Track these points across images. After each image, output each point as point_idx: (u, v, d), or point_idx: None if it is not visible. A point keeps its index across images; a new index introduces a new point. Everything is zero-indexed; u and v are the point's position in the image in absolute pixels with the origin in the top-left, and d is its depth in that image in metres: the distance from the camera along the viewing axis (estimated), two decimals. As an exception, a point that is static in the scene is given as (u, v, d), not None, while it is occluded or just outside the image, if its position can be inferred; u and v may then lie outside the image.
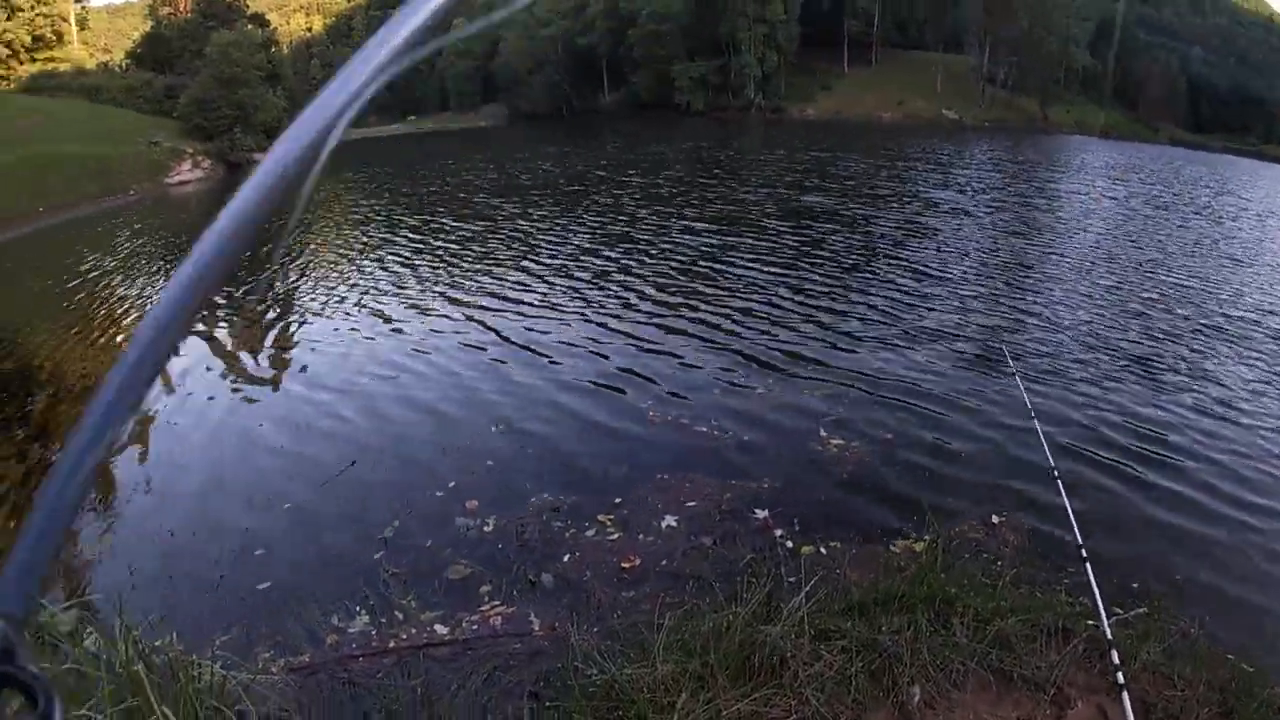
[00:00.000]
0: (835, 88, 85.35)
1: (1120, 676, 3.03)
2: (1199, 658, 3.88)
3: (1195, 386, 8.63)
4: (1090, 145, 58.11)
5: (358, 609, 4.93)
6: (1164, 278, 14.04)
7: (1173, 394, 8.39)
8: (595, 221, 19.62)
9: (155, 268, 17.26)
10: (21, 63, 50.12)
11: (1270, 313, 12.15)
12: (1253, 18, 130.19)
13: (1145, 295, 12.62)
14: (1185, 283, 13.68)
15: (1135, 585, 5.01)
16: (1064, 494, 4.10)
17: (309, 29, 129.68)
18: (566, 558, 5.45)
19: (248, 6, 64.45)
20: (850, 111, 77.94)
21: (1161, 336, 10.54)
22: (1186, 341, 10.31)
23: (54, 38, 53.26)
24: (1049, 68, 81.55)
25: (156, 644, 3.51)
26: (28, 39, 50.12)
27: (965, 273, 14.01)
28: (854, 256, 15.32)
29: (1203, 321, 11.34)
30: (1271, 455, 7.15)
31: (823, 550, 5.39)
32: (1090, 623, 3.77)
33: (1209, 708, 3.44)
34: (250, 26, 56.87)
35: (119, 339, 11.90)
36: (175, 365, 10.26)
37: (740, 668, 3.45)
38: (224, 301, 13.72)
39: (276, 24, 77.94)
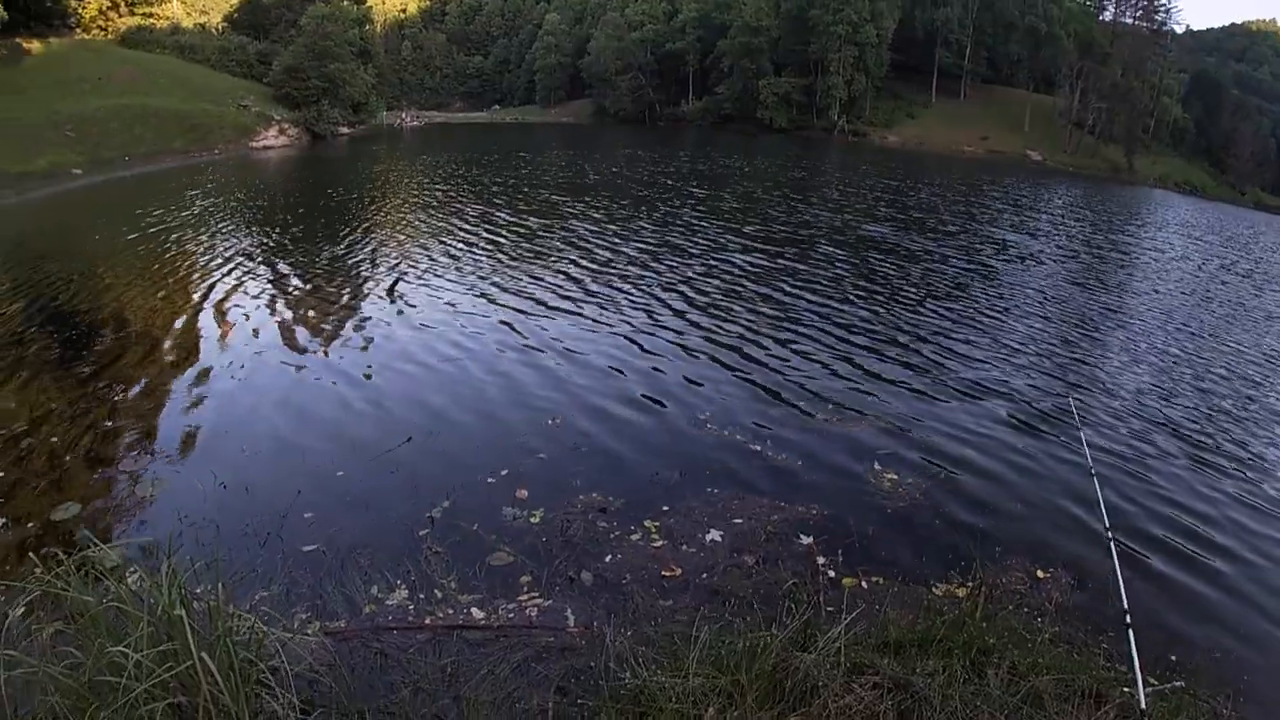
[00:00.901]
0: (920, 116, 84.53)
1: (1150, 748, 2.97)
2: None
3: (1257, 473, 8.32)
4: (1172, 200, 56.74)
5: (398, 582, 5.02)
6: (1234, 350, 13.60)
7: (1236, 477, 8.08)
8: (652, 230, 19.67)
9: (224, 227, 17.74)
10: (120, 15, 51.68)
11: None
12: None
13: (1214, 368, 12.20)
14: (1254, 359, 13.24)
15: (1174, 658, 4.87)
16: (1115, 557, 4.03)
17: (403, 10, 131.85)
18: (608, 558, 5.48)
19: (346, -18, 65.84)
20: (933, 142, 77.04)
21: (1228, 413, 10.18)
22: (1252, 425, 9.92)
23: (155, -7, 54.96)
24: (1138, 117, 79.61)
25: (198, 590, 3.62)
26: (131, -7, 51.76)
27: (1032, 322, 13.74)
28: (923, 291, 15.16)
29: (1270, 403, 10.97)
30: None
31: (864, 584, 5.34)
32: (1125, 690, 3.71)
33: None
34: (346, 2, 58.03)
35: (181, 291, 12.28)
36: (248, 328, 10.57)
37: (770, 690, 3.45)
38: (296, 270, 14.09)
39: (372, 3, 79.46)
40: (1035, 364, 11.16)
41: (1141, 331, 14.02)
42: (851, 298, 13.99)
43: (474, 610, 4.75)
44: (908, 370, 10.32)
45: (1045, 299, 15.78)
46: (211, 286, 12.56)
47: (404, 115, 73.63)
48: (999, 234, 24.47)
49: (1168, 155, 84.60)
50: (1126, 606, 3.66)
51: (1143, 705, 3.16)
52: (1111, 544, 4.17)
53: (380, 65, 59.94)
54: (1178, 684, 4.30)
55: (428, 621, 4.58)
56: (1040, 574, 5.70)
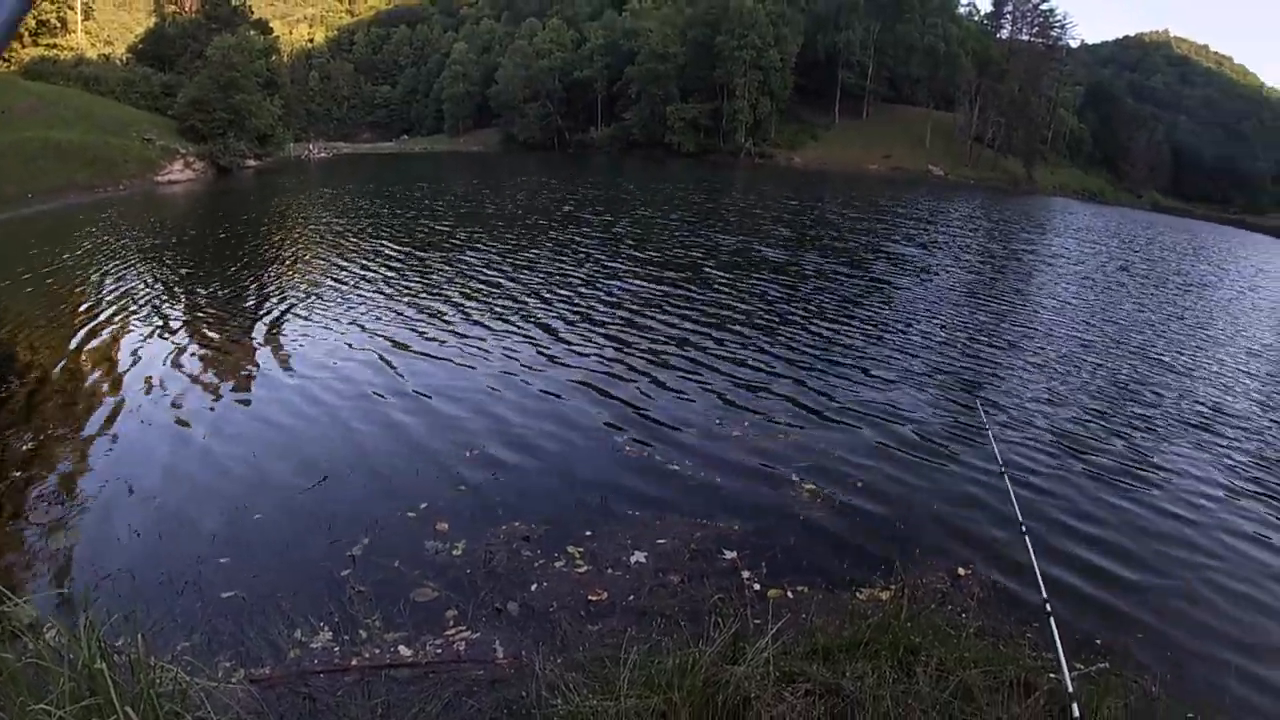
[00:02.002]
0: (824, 137, 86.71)
1: (1081, 730, 3.06)
2: (1160, 716, 3.93)
3: (1158, 464, 8.76)
4: (1072, 207, 59.21)
5: (321, 624, 4.89)
6: (1133, 349, 14.28)
7: (1139, 469, 8.49)
8: (549, 259, 19.54)
9: (128, 268, 17.08)
10: (24, 46, 49.83)
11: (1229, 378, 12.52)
12: (1241, 89, 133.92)
13: (1114, 367, 12.78)
14: (1152, 357, 13.91)
15: (1098, 641, 5.08)
16: (1031, 549, 4.17)
17: (310, 40, 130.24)
18: (534, 587, 5.44)
19: (252, 12, 64.68)
20: (837, 161, 79.04)
21: (1129, 408, 10.71)
22: (1151, 419, 10.39)
23: (59, 24, 53.17)
24: (1036, 130, 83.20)
25: (118, 644, 3.49)
26: (33, 23, 49.90)
27: (935, 332, 14.23)
28: (824, 308, 15.58)
29: (1164, 397, 11.54)
30: (1229, 528, 7.27)
31: (790, 594, 5.42)
32: (1053, 675, 3.82)
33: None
34: (253, 33, 56.91)
35: (89, 335, 11.81)
36: (153, 372, 10.19)
37: (704, 706, 3.45)
38: (202, 312, 13.70)
39: (279, 32, 78.04)
40: (940, 372, 11.54)
41: (1043, 336, 14.61)
42: (761, 318, 14.25)
43: (401, 648, 4.65)
44: (821, 382, 10.54)
45: (944, 309, 16.35)
46: (117, 330, 12.09)
47: (311, 147, 72.20)
48: (898, 249, 25.20)
49: (1065, 165, 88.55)
50: (1045, 596, 3.78)
51: (1069, 689, 3.25)
52: (1026, 537, 4.30)
53: (287, 96, 58.70)
54: (1102, 666, 4.45)
55: (354, 662, 4.48)
56: (961, 572, 5.87)
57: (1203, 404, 11.22)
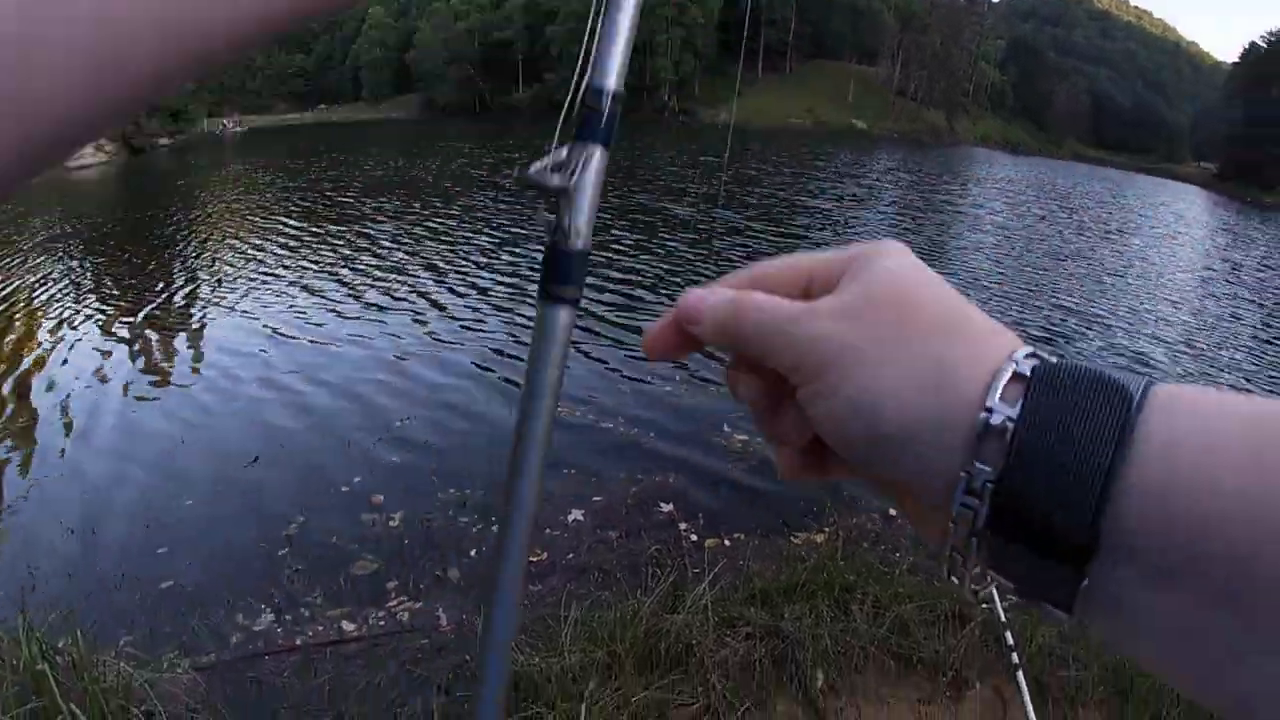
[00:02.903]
0: (748, 94, 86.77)
1: (1015, 658, 3.20)
2: (1092, 641, 4.14)
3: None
4: (995, 158, 60.30)
5: (263, 607, 4.85)
6: (1051, 294, 14.81)
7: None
8: (461, 227, 19.16)
9: (23, 259, 16.40)
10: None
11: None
12: (1160, 42, 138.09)
13: (1033, 316, 13.26)
14: (1069, 300, 14.51)
15: (1030, 573, 5.28)
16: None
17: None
18: (474, 552, 5.46)
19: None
20: (761, 117, 79.23)
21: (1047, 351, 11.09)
22: (1074, 360, 10.86)
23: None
24: (958, 83, 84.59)
25: (59, 644, 3.44)
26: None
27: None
28: (741, 264, 15.56)
29: (1086, 344, 12.08)
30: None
31: (727, 542, 5.54)
32: (985, 607, 3.98)
33: (1103, 686, 3.63)
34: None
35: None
36: (69, 365, 9.84)
37: (647, 656, 3.53)
38: (113, 301, 13.26)
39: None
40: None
41: (962, 286, 14.79)
42: (664, 279, 14.26)
43: (345, 624, 4.65)
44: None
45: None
46: (30, 324, 11.63)
47: (226, 121, 69.73)
48: (817, 204, 25.39)
49: (988, 116, 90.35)
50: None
51: (1003, 619, 3.38)
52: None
53: (199, 72, 56.69)
54: (1035, 595, 4.63)
55: (298, 642, 4.46)
56: (892, 512, 6.00)
57: (1123, 354, 11.69)
